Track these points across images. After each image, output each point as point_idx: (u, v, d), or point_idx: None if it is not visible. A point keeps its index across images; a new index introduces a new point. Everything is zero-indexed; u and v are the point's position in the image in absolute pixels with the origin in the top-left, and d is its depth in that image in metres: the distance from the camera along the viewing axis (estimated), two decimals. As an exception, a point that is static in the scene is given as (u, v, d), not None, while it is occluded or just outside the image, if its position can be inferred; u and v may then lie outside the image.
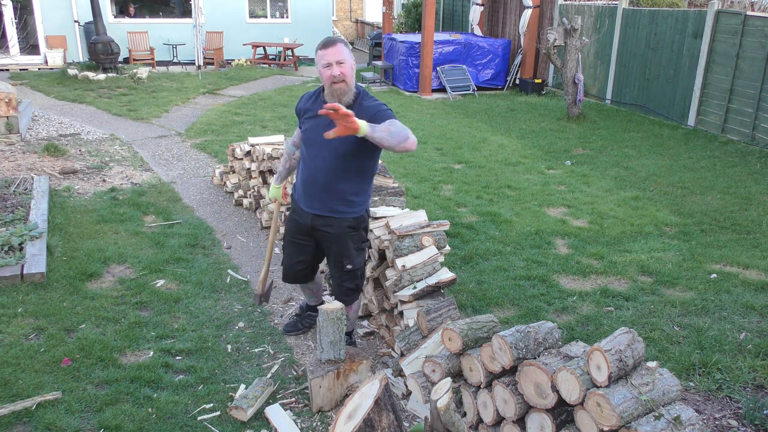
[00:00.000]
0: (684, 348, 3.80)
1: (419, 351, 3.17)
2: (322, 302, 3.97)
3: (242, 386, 3.41)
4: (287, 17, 17.60)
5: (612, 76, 11.73)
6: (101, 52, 13.49)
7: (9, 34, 14.23)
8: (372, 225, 3.93)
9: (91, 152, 8.08)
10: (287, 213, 3.81)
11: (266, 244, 5.43)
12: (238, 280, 4.73)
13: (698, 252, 5.25)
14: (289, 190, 3.79)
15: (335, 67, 3.09)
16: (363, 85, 13.87)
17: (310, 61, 17.50)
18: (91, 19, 13.65)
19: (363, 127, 2.77)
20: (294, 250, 3.61)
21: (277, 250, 5.09)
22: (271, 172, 5.67)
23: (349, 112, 2.69)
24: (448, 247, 4.02)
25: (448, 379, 2.44)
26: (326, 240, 3.44)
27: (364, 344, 3.96)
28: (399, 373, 3.46)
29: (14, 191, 6.10)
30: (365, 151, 3.19)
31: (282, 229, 4.64)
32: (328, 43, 3.13)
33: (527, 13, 13.14)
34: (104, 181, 6.95)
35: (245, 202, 6.20)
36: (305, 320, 4.06)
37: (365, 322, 4.18)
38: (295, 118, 3.72)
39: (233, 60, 16.38)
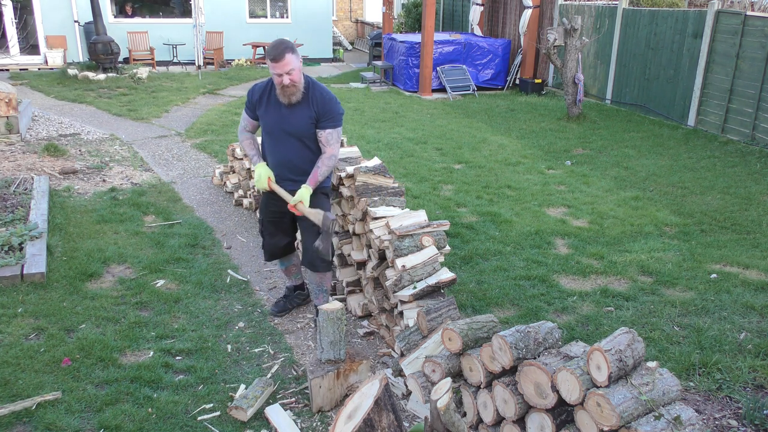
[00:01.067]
0: (684, 348, 3.80)
1: (419, 351, 3.17)
2: (303, 283, 4.33)
3: (242, 386, 3.41)
4: (287, 17, 17.60)
5: (612, 76, 11.73)
6: (101, 52, 13.49)
7: (9, 34, 14.23)
8: (372, 225, 3.94)
9: (91, 152, 8.08)
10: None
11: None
12: (238, 280, 4.73)
13: (698, 252, 5.25)
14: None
15: (285, 77, 3.50)
16: (363, 85, 13.91)
17: (310, 61, 17.50)
18: (91, 19, 13.66)
19: (309, 191, 3.66)
20: (274, 228, 3.99)
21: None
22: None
23: (301, 209, 3.64)
24: (448, 247, 4.02)
25: (448, 379, 2.44)
26: (304, 219, 3.78)
27: (364, 344, 3.96)
28: (399, 373, 3.46)
29: (14, 191, 6.10)
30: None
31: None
32: (276, 57, 3.44)
33: (527, 13, 13.14)
34: (104, 181, 6.95)
35: (245, 202, 6.20)
36: (294, 300, 4.29)
37: (365, 322, 4.18)
38: None
39: (233, 60, 16.38)
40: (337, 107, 3.72)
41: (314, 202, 3.74)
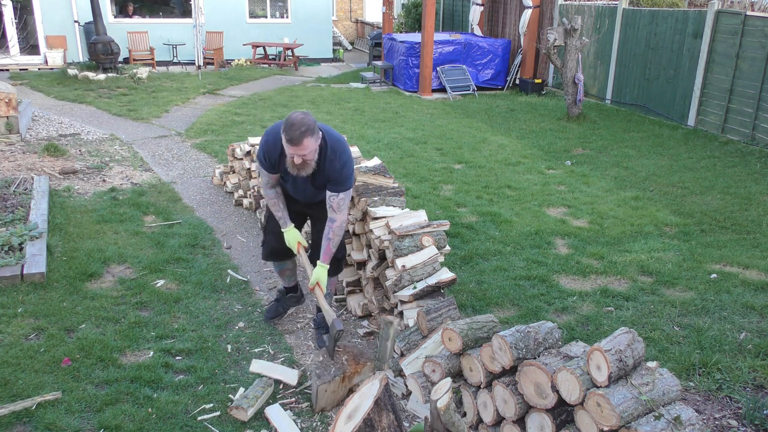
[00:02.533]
0: (684, 348, 3.80)
1: (419, 351, 3.17)
2: (297, 284, 4.22)
3: (241, 389, 3.40)
4: (287, 17, 17.60)
5: (612, 76, 11.73)
6: (101, 52, 13.49)
7: (9, 34, 14.22)
8: (372, 225, 3.94)
9: (91, 152, 8.08)
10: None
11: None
12: (238, 280, 4.73)
13: (698, 252, 5.25)
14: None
15: (299, 158, 3.26)
16: (363, 85, 13.91)
17: (310, 61, 17.50)
18: (91, 19, 13.65)
19: (325, 269, 3.55)
20: (281, 237, 3.81)
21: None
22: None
23: (317, 294, 3.55)
24: (448, 247, 4.02)
25: (448, 379, 2.44)
26: (315, 211, 3.76)
27: (364, 344, 3.96)
28: (399, 373, 3.46)
29: (14, 191, 6.10)
30: None
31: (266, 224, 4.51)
32: (294, 140, 3.18)
33: (527, 13, 13.14)
34: (104, 181, 6.95)
35: (245, 202, 6.20)
36: (287, 303, 4.18)
37: (365, 322, 4.18)
38: None
39: (233, 60, 16.38)
40: (349, 175, 3.50)
41: (329, 270, 3.66)
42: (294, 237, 3.68)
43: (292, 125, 3.17)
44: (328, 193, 3.49)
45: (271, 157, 3.48)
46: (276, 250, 3.93)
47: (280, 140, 3.33)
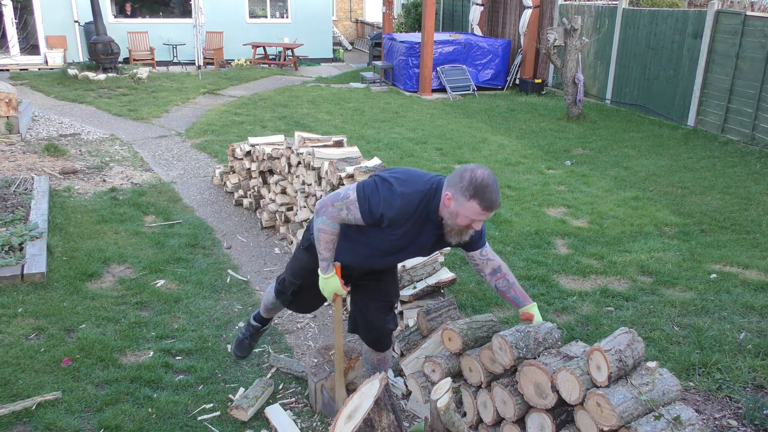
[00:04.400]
0: (684, 348, 3.80)
1: (419, 351, 3.17)
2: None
3: (241, 389, 3.40)
4: (287, 17, 17.60)
5: (612, 76, 11.73)
6: (101, 52, 13.50)
7: (9, 34, 14.22)
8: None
9: (91, 152, 8.08)
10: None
11: (266, 243, 5.43)
12: (238, 280, 4.73)
13: (698, 252, 5.25)
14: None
15: (480, 224, 2.61)
16: (363, 85, 13.91)
17: (310, 61, 17.50)
18: (91, 19, 13.66)
19: (535, 306, 2.86)
20: (315, 296, 3.04)
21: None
22: (271, 172, 5.67)
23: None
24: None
25: (448, 379, 2.44)
26: (375, 281, 3.05)
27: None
28: (399, 373, 3.46)
29: (14, 191, 6.10)
30: None
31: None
32: (494, 204, 2.52)
33: (527, 13, 13.14)
34: (104, 181, 6.95)
35: (245, 202, 6.20)
36: (257, 337, 3.58)
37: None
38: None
39: (233, 60, 16.38)
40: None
41: (391, 275, 3.13)
42: (335, 286, 2.85)
43: (487, 186, 2.48)
44: (474, 253, 2.83)
45: (398, 214, 2.59)
46: (308, 308, 3.35)
47: (415, 205, 2.61)
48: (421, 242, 2.74)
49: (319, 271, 2.82)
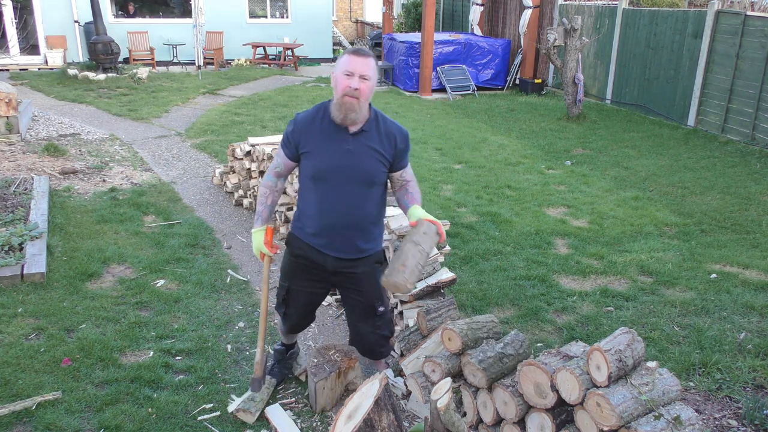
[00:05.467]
0: (684, 348, 3.80)
1: (419, 351, 3.17)
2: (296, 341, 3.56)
3: (237, 399, 3.31)
4: (287, 17, 17.60)
5: (612, 76, 11.73)
6: (101, 52, 13.50)
7: (9, 34, 14.22)
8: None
9: (91, 152, 8.08)
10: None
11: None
12: (238, 280, 4.73)
13: (698, 252, 5.25)
14: (276, 237, 3.33)
15: (356, 79, 2.68)
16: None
17: (310, 61, 17.49)
18: (91, 19, 13.66)
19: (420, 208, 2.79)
20: (306, 301, 3.11)
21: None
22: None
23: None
24: (448, 247, 4.02)
25: (448, 379, 2.44)
26: (352, 283, 3.00)
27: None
28: (399, 373, 3.46)
29: (14, 191, 6.10)
30: (387, 177, 2.94)
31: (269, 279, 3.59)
32: (360, 52, 2.73)
33: (527, 13, 13.14)
34: (104, 181, 6.95)
35: (245, 202, 6.20)
36: (289, 361, 3.54)
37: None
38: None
39: (233, 60, 16.38)
40: (409, 140, 2.97)
41: (372, 280, 2.99)
42: (259, 243, 2.95)
43: (359, 47, 2.81)
44: (398, 173, 2.90)
45: (298, 128, 2.83)
46: (298, 327, 3.30)
47: (310, 113, 2.85)
48: (343, 151, 2.78)
49: (252, 229, 2.97)
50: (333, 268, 2.95)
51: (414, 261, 2.51)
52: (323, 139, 2.80)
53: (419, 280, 2.58)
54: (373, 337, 3.13)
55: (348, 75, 2.69)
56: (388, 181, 2.97)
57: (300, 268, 3.02)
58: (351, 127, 2.78)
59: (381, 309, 3.07)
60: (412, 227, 2.71)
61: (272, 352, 3.59)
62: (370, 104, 2.83)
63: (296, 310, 3.15)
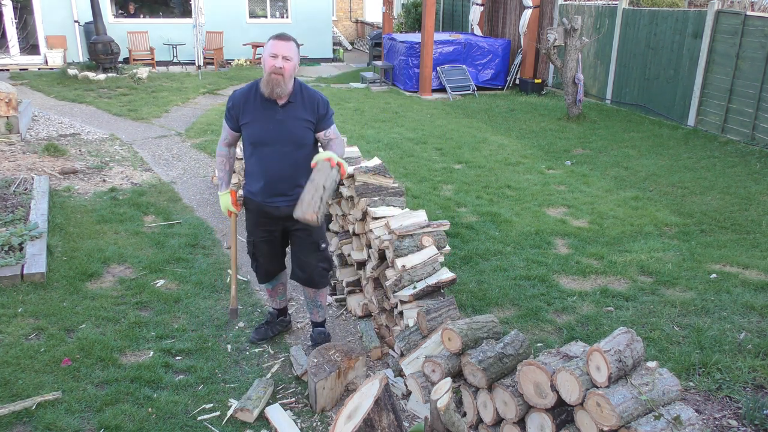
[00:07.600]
0: (684, 348, 3.80)
1: (419, 351, 3.17)
2: (286, 307, 4.05)
3: (233, 401, 3.32)
4: (287, 17, 17.60)
5: (612, 76, 11.73)
6: (101, 52, 13.50)
7: (9, 34, 14.22)
8: (372, 225, 3.93)
9: (91, 152, 8.08)
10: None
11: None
12: (238, 280, 4.73)
13: (698, 252, 5.25)
14: (239, 195, 3.71)
15: (280, 60, 3.24)
16: (363, 85, 13.91)
17: (310, 61, 17.50)
18: (91, 19, 13.66)
19: (338, 160, 3.24)
20: (269, 248, 3.68)
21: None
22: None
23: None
24: (448, 247, 4.02)
25: (448, 379, 2.44)
26: (299, 227, 3.49)
27: (354, 341, 3.95)
28: (399, 373, 3.46)
29: (14, 191, 6.10)
30: (314, 139, 3.51)
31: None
32: (282, 37, 3.28)
33: (527, 13, 13.14)
34: (104, 181, 6.95)
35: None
36: (276, 327, 4.00)
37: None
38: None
39: (233, 60, 16.38)
40: (329, 106, 3.53)
41: (316, 232, 3.57)
42: (227, 203, 3.55)
43: (282, 33, 3.33)
44: (322, 132, 3.45)
45: (235, 104, 3.40)
46: (270, 272, 3.79)
47: (246, 89, 3.44)
48: (275, 121, 3.35)
49: (219, 192, 3.60)
50: (280, 214, 3.49)
51: (309, 195, 3.04)
52: (258, 111, 3.38)
53: (322, 211, 3.09)
54: (315, 269, 3.66)
55: (273, 56, 3.24)
56: (317, 140, 3.54)
57: (257, 221, 3.60)
58: (279, 100, 3.35)
59: (323, 245, 3.66)
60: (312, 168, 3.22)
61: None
62: (295, 79, 3.40)
63: (264, 257, 3.70)
